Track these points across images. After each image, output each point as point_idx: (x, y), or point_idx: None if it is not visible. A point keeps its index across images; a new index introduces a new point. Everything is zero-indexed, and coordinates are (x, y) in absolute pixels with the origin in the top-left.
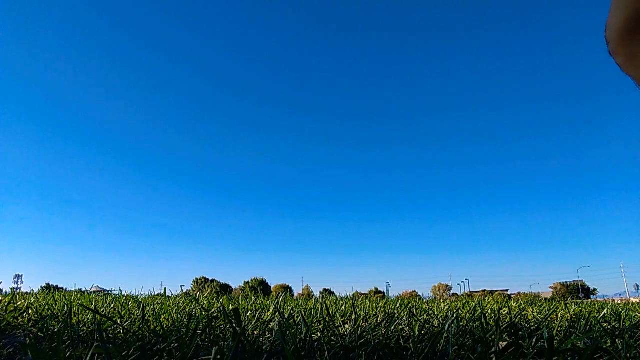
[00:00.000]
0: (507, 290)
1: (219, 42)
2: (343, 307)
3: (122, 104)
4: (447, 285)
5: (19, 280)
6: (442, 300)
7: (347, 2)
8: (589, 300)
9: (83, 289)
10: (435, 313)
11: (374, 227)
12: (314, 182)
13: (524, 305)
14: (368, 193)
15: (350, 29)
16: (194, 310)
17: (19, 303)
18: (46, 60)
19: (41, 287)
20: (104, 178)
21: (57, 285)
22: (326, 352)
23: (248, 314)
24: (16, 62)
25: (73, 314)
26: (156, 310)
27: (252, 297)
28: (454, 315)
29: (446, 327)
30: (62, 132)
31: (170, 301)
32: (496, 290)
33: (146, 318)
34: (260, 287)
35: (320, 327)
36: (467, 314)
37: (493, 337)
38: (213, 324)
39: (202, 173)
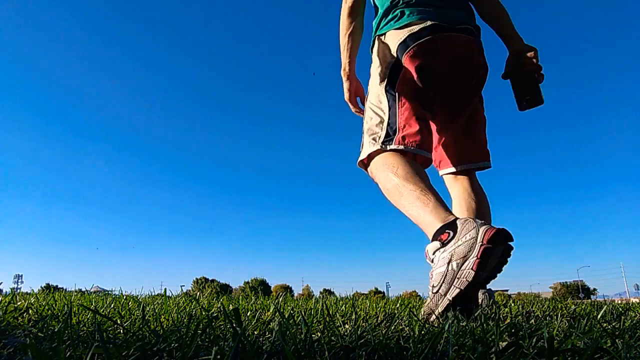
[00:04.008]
0: (507, 290)
1: (228, 37)
2: (343, 307)
3: (121, 103)
4: None
5: (19, 280)
6: None
7: None
8: (589, 300)
9: (83, 289)
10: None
11: (374, 226)
12: (314, 181)
13: (524, 305)
14: (368, 193)
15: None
16: (194, 310)
17: (19, 303)
18: (51, 54)
19: (41, 287)
20: (104, 178)
21: (57, 285)
22: (326, 352)
23: (248, 314)
24: (19, 57)
25: (73, 314)
26: (156, 311)
27: (252, 297)
28: (454, 315)
29: (446, 327)
30: (62, 132)
31: (170, 301)
32: (496, 290)
33: (146, 318)
34: (260, 287)
35: (320, 327)
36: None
37: (493, 337)
38: (213, 324)
39: (202, 173)
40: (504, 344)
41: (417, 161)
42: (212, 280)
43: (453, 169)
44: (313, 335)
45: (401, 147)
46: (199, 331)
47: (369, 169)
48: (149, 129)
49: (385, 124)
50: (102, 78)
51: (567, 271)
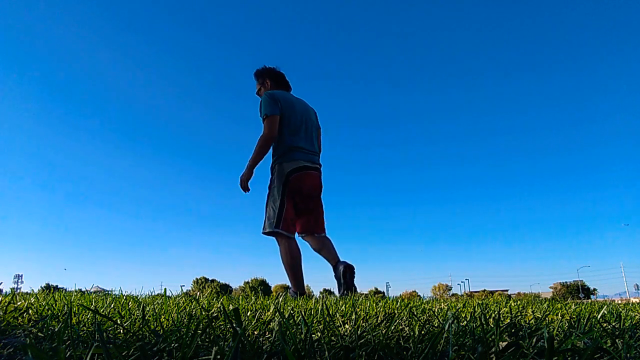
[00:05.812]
0: (507, 290)
1: (254, 23)
2: (343, 307)
3: (121, 100)
4: (447, 285)
5: (19, 280)
6: (442, 301)
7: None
8: (589, 300)
9: (83, 289)
10: (436, 313)
11: (373, 226)
12: None
13: (524, 305)
14: (367, 192)
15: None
16: (194, 310)
17: (19, 303)
18: (60, 34)
19: (41, 287)
20: (103, 178)
21: (57, 285)
22: (326, 352)
23: (248, 314)
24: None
25: (73, 314)
26: (156, 311)
27: (252, 297)
28: (454, 315)
29: (446, 327)
30: (61, 132)
31: (171, 301)
32: (496, 290)
33: (146, 318)
34: (260, 287)
35: (320, 327)
36: (467, 314)
37: (493, 337)
38: (213, 324)
39: (202, 172)
40: (504, 344)
41: (293, 239)
42: (212, 280)
43: (305, 234)
44: (313, 335)
45: (282, 231)
46: (199, 331)
47: (276, 239)
48: (149, 130)
49: (276, 216)
50: (103, 86)
51: (567, 271)
